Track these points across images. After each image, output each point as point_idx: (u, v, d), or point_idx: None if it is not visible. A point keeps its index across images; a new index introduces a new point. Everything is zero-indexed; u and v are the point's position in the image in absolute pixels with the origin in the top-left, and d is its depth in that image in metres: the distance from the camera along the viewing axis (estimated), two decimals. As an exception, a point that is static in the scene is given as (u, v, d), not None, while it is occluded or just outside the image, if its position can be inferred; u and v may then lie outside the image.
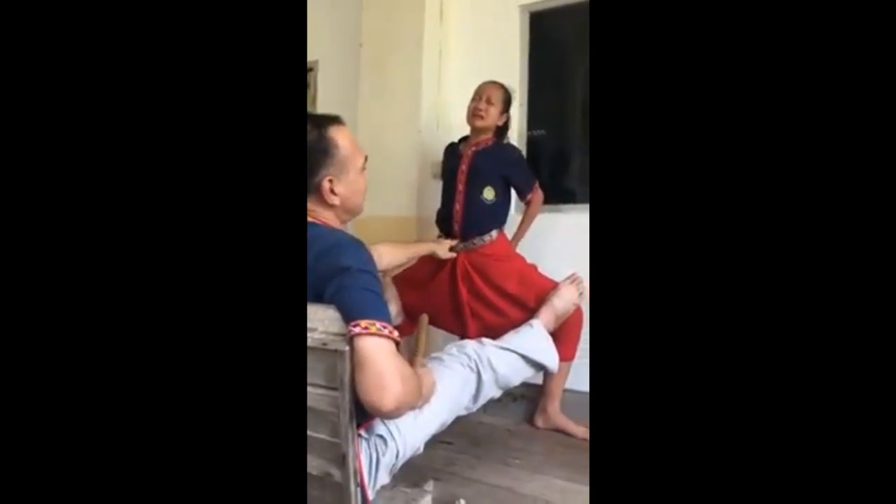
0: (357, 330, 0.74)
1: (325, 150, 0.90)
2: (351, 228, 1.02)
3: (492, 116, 1.62)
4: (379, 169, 1.94)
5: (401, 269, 1.63)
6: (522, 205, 1.74)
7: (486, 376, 1.13)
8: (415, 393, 0.81)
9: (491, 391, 1.16)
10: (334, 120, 0.93)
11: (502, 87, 1.66)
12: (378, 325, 0.75)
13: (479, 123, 1.61)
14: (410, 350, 1.15)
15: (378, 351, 0.74)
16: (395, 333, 0.77)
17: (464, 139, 1.72)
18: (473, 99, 1.65)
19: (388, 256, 1.29)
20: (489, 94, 1.62)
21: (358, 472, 0.81)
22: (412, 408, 0.86)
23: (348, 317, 0.76)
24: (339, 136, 0.91)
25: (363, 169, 0.96)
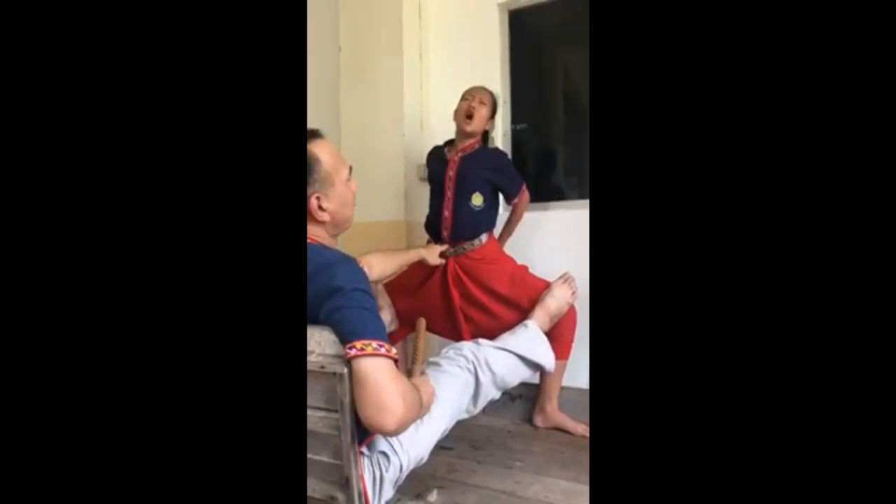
0: (353, 352, 0.73)
1: (308, 167, 0.88)
2: (339, 236, 1.00)
3: (482, 117, 1.61)
4: (365, 174, 1.92)
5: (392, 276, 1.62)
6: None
7: (485, 378, 1.13)
8: (416, 408, 0.80)
9: (490, 392, 1.16)
10: (313, 134, 0.91)
11: (491, 92, 1.67)
12: (374, 344, 0.74)
13: (468, 127, 1.60)
14: (409, 356, 1.14)
15: (376, 371, 0.73)
16: (393, 351, 0.76)
17: (449, 143, 1.71)
18: (464, 99, 1.63)
19: (379, 267, 1.28)
20: (481, 96, 1.62)
21: (363, 494, 0.80)
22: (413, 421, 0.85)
23: (344, 338, 0.75)
24: (320, 151, 0.89)
25: (349, 179, 0.94)
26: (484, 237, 1.61)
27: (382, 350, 0.74)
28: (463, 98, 1.64)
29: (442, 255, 1.56)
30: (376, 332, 0.75)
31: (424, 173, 1.79)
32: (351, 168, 0.95)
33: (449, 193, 1.61)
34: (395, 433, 0.78)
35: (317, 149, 0.89)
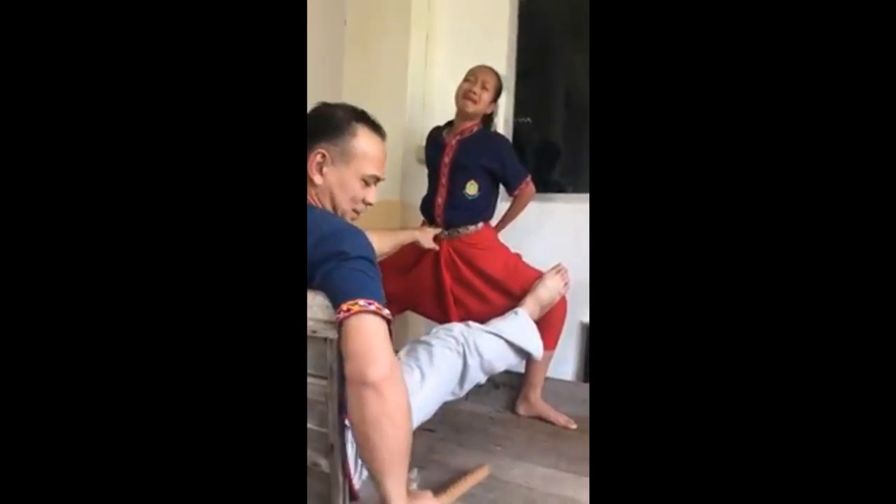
0: (342, 315, 0.70)
1: (337, 129, 0.88)
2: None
3: (484, 102, 1.56)
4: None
5: (385, 256, 1.61)
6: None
7: (472, 361, 1.12)
8: (398, 381, 0.73)
9: (477, 376, 1.15)
10: (375, 126, 0.92)
11: (496, 74, 1.60)
12: (361, 302, 0.70)
13: (470, 108, 1.54)
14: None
15: (365, 323, 0.69)
16: (385, 311, 0.73)
17: (448, 124, 1.66)
18: (467, 80, 1.57)
19: (375, 244, 1.26)
20: (484, 79, 1.55)
21: (345, 463, 0.79)
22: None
23: (335, 301, 0.72)
24: (365, 136, 0.89)
25: (367, 184, 0.92)
26: (480, 225, 1.60)
27: (372, 307, 0.70)
28: (466, 79, 1.58)
29: (436, 237, 1.55)
30: (368, 292, 0.72)
31: (423, 155, 1.76)
32: (378, 179, 0.93)
33: (443, 180, 1.59)
34: (375, 389, 0.70)
35: (362, 132, 0.89)
